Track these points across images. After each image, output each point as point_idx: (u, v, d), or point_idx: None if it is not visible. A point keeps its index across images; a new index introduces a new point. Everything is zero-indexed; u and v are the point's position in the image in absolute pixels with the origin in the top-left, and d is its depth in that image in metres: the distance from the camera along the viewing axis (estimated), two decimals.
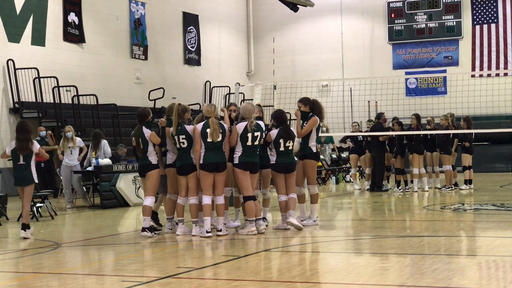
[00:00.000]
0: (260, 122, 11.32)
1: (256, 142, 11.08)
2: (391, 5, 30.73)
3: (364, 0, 31.18)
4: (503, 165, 28.00)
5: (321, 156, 23.46)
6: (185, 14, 28.89)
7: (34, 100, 21.62)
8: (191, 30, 29.15)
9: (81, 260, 9.83)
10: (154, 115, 13.01)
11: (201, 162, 10.85)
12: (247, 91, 26.96)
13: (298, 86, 24.19)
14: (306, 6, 30.00)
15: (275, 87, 19.82)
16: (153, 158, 11.20)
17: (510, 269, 8.35)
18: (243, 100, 23.13)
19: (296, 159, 11.85)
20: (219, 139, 10.86)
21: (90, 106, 22.44)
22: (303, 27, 31.98)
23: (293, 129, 11.73)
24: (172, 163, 11.26)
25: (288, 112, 11.84)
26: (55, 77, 21.66)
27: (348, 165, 23.98)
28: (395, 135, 18.70)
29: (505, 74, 28.53)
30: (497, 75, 28.77)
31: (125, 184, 17.01)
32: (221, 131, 10.87)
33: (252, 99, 21.90)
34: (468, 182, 19.40)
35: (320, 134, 12.36)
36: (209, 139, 10.82)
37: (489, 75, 28.89)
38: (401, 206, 16.12)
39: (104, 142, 17.76)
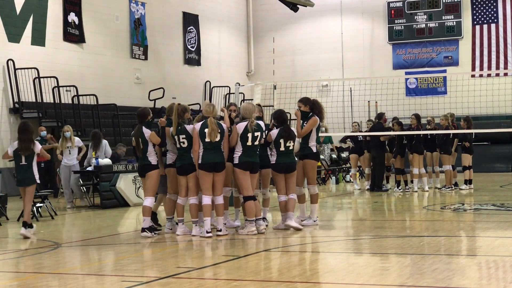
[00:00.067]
0: (260, 122, 11.32)
1: (256, 142, 11.07)
2: (391, 5, 30.74)
3: (364, 0, 31.19)
4: (503, 165, 28.00)
5: (321, 156, 23.45)
6: (185, 14, 28.90)
7: (34, 100, 21.63)
8: (191, 30, 29.15)
9: (81, 260, 9.83)
10: (154, 115, 13.01)
11: (199, 162, 10.85)
12: (247, 91, 26.96)
13: (298, 86, 24.19)
14: (306, 6, 30.00)
15: (275, 87, 19.82)
16: (152, 159, 11.20)
17: (510, 269, 8.35)
18: (243, 100, 23.13)
19: (296, 159, 11.85)
20: (217, 139, 10.85)
21: (90, 106, 22.44)
22: (303, 27, 31.98)
23: (294, 129, 11.71)
24: (172, 163, 11.26)
25: (288, 112, 11.84)
26: (55, 77, 21.66)
27: (348, 165, 23.99)
28: (395, 135, 18.70)
29: (505, 74, 28.53)
30: (497, 75, 28.77)
31: (125, 184, 17.01)
32: (219, 131, 10.86)
33: (252, 99, 21.90)
34: (468, 182, 19.40)
35: (319, 134, 12.36)
36: (207, 139, 10.82)
37: (489, 75, 28.90)
38: (401, 206, 16.12)
39: (105, 143, 17.78)
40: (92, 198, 17.71)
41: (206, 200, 10.86)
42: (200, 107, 24.93)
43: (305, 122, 11.93)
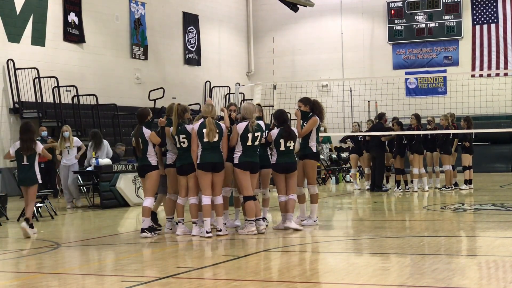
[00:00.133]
0: (260, 122, 11.32)
1: (257, 143, 11.07)
2: (391, 5, 30.74)
3: (364, 0, 31.19)
4: (503, 165, 28.00)
5: (321, 156, 23.46)
6: (185, 14, 28.89)
7: (34, 100, 21.63)
8: (191, 30, 29.15)
9: (81, 260, 9.83)
10: (154, 115, 13.01)
11: (198, 162, 10.85)
12: (247, 91, 26.96)
13: (298, 86, 24.19)
14: (306, 6, 30.00)
15: (275, 87, 19.82)
16: (152, 159, 11.20)
17: (510, 269, 8.35)
18: (243, 100, 23.12)
19: (296, 159, 11.84)
20: (216, 139, 10.84)
21: (90, 106, 22.44)
22: (303, 27, 31.98)
23: (294, 129, 11.68)
24: (172, 163, 11.26)
25: (288, 112, 11.83)
26: (55, 77, 21.66)
27: (348, 165, 23.99)
28: (395, 135, 18.70)
29: (505, 74, 28.53)
30: (497, 75, 28.77)
31: (125, 184, 17.01)
32: (217, 131, 10.84)
33: (252, 99, 21.89)
34: (468, 182, 19.40)
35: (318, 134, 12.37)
36: (205, 139, 10.81)
37: (489, 75, 28.90)
38: (401, 206, 16.12)
39: (106, 143, 17.79)
40: (92, 198, 17.71)
41: (206, 200, 10.86)
42: (200, 107, 24.92)
43: (305, 122, 11.93)
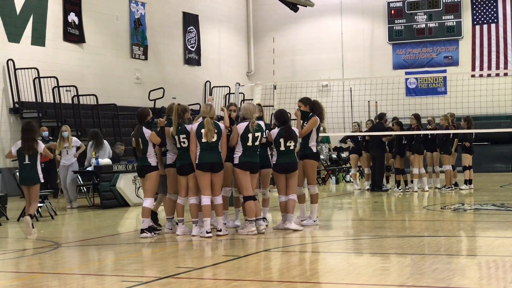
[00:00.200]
0: (261, 122, 11.31)
1: (257, 143, 11.07)
2: (391, 5, 30.74)
3: (364, 0, 31.19)
4: (503, 165, 28.00)
5: (321, 156, 23.45)
6: (185, 14, 28.90)
7: (34, 100, 21.63)
8: (191, 30, 29.15)
9: (81, 260, 9.83)
10: (154, 115, 13.01)
11: (197, 162, 10.84)
12: (247, 91, 26.96)
13: (298, 86, 24.18)
14: (306, 6, 30.00)
15: (275, 87, 19.82)
16: (152, 160, 11.20)
17: (510, 269, 8.35)
18: (243, 100, 23.13)
19: (296, 159, 11.83)
20: (214, 139, 10.83)
21: (90, 106, 22.45)
22: (303, 27, 31.98)
23: (295, 129, 11.64)
24: (172, 163, 11.26)
25: (288, 112, 11.82)
26: (55, 77, 21.66)
27: (348, 165, 23.99)
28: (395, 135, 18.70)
29: (505, 74, 28.53)
30: (497, 75, 28.78)
31: (125, 184, 17.01)
32: (216, 131, 10.84)
33: (252, 99, 21.89)
34: (468, 182, 19.39)
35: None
36: (203, 140, 10.81)
37: (489, 75, 28.90)
38: (401, 206, 16.12)
39: (107, 143, 17.79)
40: (92, 198, 17.71)
41: (205, 200, 10.86)
42: (200, 107, 24.92)
43: (305, 122, 11.93)
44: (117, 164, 17.40)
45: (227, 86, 29.20)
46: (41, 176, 12.03)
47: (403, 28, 30.63)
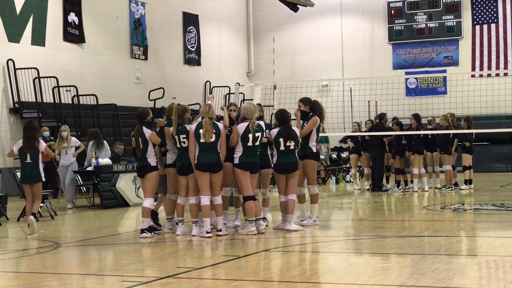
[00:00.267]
0: (261, 122, 11.31)
1: (257, 143, 11.07)
2: (391, 5, 30.74)
3: (364, 0, 31.19)
4: (503, 165, 28.01)
5: (321, 156, 23.46)
6: (185, 14, 28.90)
7: (34, 100, 21.63)
8: (191, 30, 29.15)
9: (81, 260, 9.83)
10: (154, 115, 13.01)
11: (195, 162, 10.84)
12: (247, 91, 26.96)
13: (298, 86, 24.17)
14: (306, 6, 30.00)
15: (275, 87, 19.82)
16: (152, 160, 11.19)
17: (510, 269, 8.35)
18: (243, 100, 23.13)
19: (297, 159, 11.81)
20: (212, 139, 10.82)
21: (90, 106, 22.45)
22: (303, 27, 31.99)
23: (295, 129, 11.61)
24: (172, 163, 11.25)
25: (288, 112, 11.82)
26: (55, 77, 21.66)
27: (348, 165, 23.99)
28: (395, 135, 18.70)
29: (505, 74, 28.54)
30: (497, 75, 28.78)
31: (125, 184, 17.01)
32: (214, 131, 10.82)
33: (252, 99, 21.89)
34: (468, 182, 19.39)
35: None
36: (202, 140, 10.80)
37: (489, 75, 28.90)
38: (401, 206, 16.12)
39: (106, 143, 17.79)
40: (92, 198, 17.71)
41: (205, 200, 10.85)
42: (200, 107, 24.91)
43: (305, 122, 11.92)
44: (117, 164, 17.39)
45: (227, 86, 29.21)
46: (42, 175, 12.19)
47: (403, 28, 30.64)
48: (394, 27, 30.76)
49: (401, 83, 28.97)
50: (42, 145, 12.16)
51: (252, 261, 9.04)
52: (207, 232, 10.76)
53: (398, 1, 30.64)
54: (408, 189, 19.02)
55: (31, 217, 11.95)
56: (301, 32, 32.00)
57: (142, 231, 11.14)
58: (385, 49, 30.89)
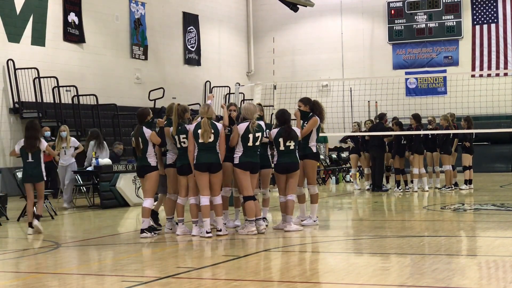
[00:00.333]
0: (261, 122, 11.31)
1: (257, 143, 11.06)
2: (391, 5, 30.75)
3: (364, 0, 31.19)
4: (503, 165, 28.01)
5: (321, 156, 23.46)
6: (185, 14, 28.90)
7: (34, 100, 21.63)
8: (191, 30, 29.15)
9: (81, 260, 9.83)
10: (154, 115, 13.01)
11: (194, 162, 10.84)
12: (247, 91, 26.96)
13: (298, 86, 24.17)
14: (306, 6, 30.00)
15: (275, 87, 19.81)
16: (152, 160, 11.19)
17: (510, 269, 8.35)
18: (243, 100, 23.12)
19: (298, 159, 11.80)
20: (211, 140, 10.80)
21: (90, 106, 22.45)
22: (303, 27, 31.99)
23: (296, 129, 11.60)
24: (172, 163, 11.25)
25: (288, 113, 11.82)
26: (55, 77, 21.67)
27: (348, 165, 23.99)
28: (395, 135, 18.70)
29: (505, 74, 28.54)
30: (497, 75, 28.78)
31: (125, 184, 17.01)
32: (213, 131, 10.81)
33: (252, 99, 21.89)
34: (468, 182, 19.39)
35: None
36: (200, 140, 10.80)
37: (489, 75, 28.90)
38: (401, 206, 16.12)
39: (105, 143, 17.78)
40: (92, 198, 17.71)
41: (204, 200, 10.85)
42: (200, 107, 24.90)
43: (305, 122, 11.92)
44: (117, 164, 17.39)
45: (227, 86, 29.20)
46: (44, 174, 12.31)
47: (403, 28, 30.64)
48: (394, 27, 30.76)
49: (401, 83, 28.98)
50: (44, 144, 12.24)
51: (252, 261, 9.04)
52: (207, 232, 10.76)
53: (398, 1, 30.64)
54: (408, 189, 19.02)
55: (36, 221, 12.06)
56: (301, 32, 32.01)
57: (142, 231, 11.14)
58: (385, 49, 30.89)
